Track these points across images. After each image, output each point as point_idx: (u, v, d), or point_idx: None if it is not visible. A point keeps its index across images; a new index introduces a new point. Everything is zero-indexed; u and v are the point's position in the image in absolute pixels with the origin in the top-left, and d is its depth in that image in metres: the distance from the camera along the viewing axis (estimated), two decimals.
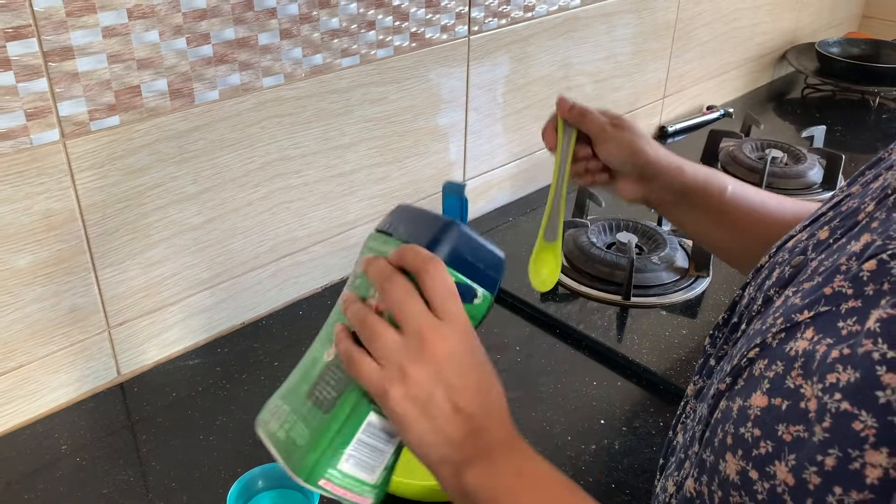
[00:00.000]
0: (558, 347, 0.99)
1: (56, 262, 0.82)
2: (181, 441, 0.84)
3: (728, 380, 0.48)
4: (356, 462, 0.52)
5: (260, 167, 0.96)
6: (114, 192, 0.84)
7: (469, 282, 0.53)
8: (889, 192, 0.47)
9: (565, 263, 1.12)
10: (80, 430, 0.86)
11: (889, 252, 0.42)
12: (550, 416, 0.88)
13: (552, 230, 0.81)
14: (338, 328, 0.53)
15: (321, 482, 0.51)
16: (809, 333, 0.43)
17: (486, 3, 1.13)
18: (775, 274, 0.53)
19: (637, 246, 1.13)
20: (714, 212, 0.78)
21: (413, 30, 1.06)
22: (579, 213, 1.23)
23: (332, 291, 1.10)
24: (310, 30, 0.94)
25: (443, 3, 1.07)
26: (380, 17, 1.01)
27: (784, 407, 0.42)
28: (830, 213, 0.53)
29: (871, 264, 0.42)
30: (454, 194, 0.65)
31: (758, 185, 1.33)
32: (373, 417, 0.52)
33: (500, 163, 1.30)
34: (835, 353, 0.41)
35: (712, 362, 0.57)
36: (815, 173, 1.37)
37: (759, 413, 0.44)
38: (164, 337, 0.96)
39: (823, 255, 0.49)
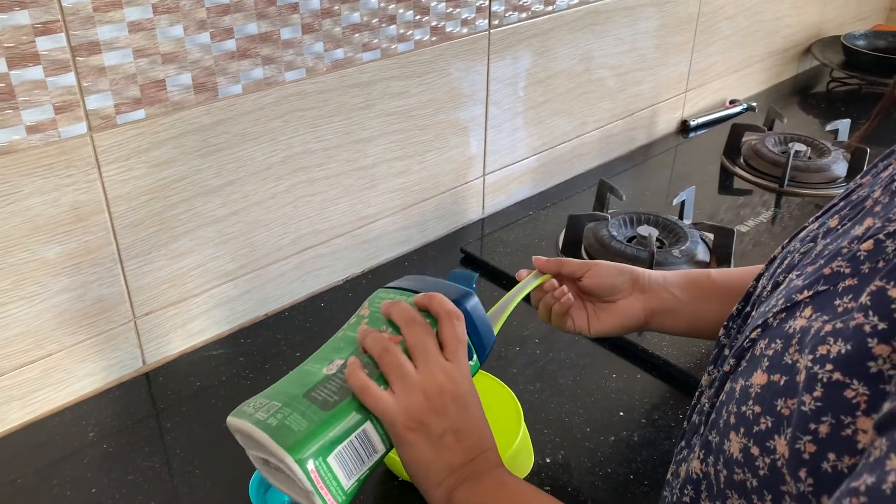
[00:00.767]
0: (578, 341, 0.99)
1: (83, 252, 0.84)
2: (205, 429, 0.86)
3: (732, 361, 0.49)
4: (341, 462, 0.54)
5: (282, 160, 0.97)
6: (139, 184, 0.86)
7: (471, 344, 0.61)
8: (895, 177, 0.48)
9: (586, 257, 1.12)
10: (107, 418, 0.87)
11: (886, 231, 0.43)
12: (569, 408, 0.88)
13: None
14: (352, 360, 0.57)
15: (310, 466, 0.52)
16: (808, 312, 0.44)
17: None
18: (786, 262, 0.54)
19: (658, 239, 1.13)
20: (715, 291, 0.78)
21: (434, 24, 1.06)
22: (599, 206, 1.23)
23: (352, 284, 1.11)
24: (331, 24, 0.95)
25: None
26: (400, 11, 1.02)
27: (782, 382, 0.43)
28: (841, 203, 0.53)
29: (868, 244, 0.43)
30: (464, 283, 0.66)
31: (781, 178, 1.33)
32: (368, 427, 0.56)
33: (521, 157, 1.30)
34: (828, 328, 0.41)
35: (726, 352, 0.57)
36: (839, 167, 1.36)
37: (759, 391, 0.45)
38: (188, 327, 0.97)
39: (829, 240, 0.49)
